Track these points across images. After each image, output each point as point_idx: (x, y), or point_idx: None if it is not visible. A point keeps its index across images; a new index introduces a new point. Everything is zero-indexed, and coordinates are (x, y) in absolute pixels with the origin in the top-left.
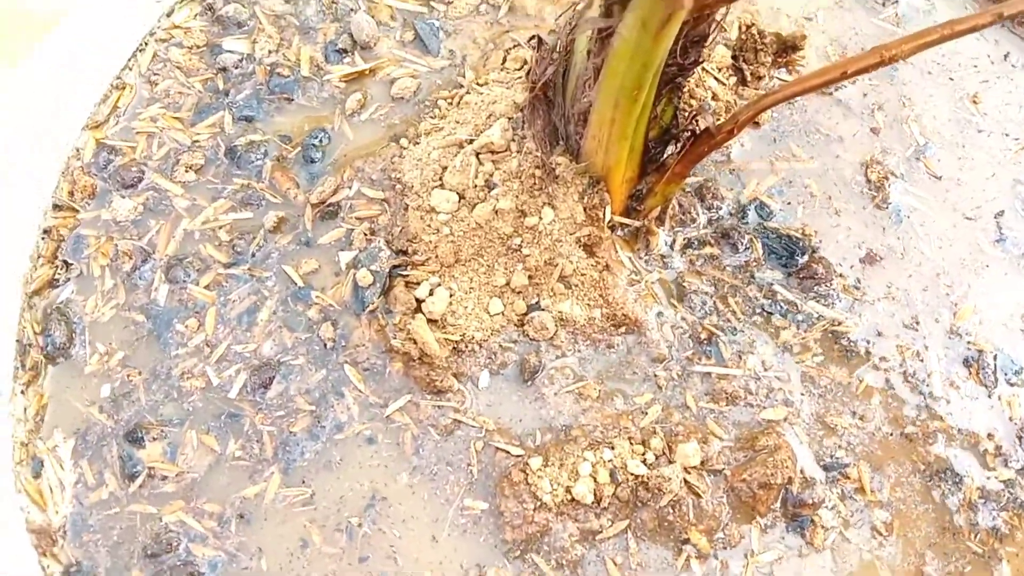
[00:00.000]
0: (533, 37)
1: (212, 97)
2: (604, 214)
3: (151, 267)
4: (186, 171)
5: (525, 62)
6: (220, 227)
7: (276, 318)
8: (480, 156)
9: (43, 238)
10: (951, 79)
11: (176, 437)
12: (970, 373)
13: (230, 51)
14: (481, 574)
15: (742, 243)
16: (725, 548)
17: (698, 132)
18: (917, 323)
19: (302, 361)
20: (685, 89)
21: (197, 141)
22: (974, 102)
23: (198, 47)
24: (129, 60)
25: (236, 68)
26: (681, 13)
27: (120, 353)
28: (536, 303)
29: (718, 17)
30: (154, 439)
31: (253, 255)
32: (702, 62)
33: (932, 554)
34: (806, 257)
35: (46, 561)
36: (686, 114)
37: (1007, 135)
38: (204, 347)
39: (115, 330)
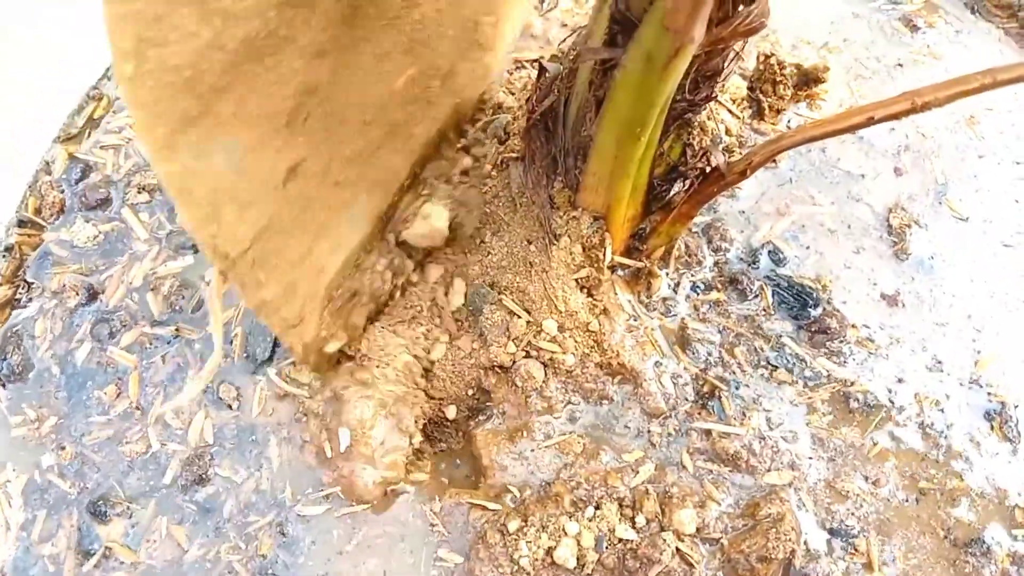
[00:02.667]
0: (536, 61)
1: None
2: (604, 255)
3: (92, 311)
4: (138, 192)
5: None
6: (161, 278)
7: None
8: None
9: (3, 256)
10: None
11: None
12: (992, 427)
13: None
14: None
15: (751, 290)
16: None
17: (708, 171)
18: (939, 369)
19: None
20: (695, 124)
21: None
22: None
23: None
24: (108, 70)
25: None
26: (690, 47)
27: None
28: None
29: (736, 48)
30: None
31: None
32: (715, 97)
33: None
34: (819, 309)
35: None
36: (695, 151)
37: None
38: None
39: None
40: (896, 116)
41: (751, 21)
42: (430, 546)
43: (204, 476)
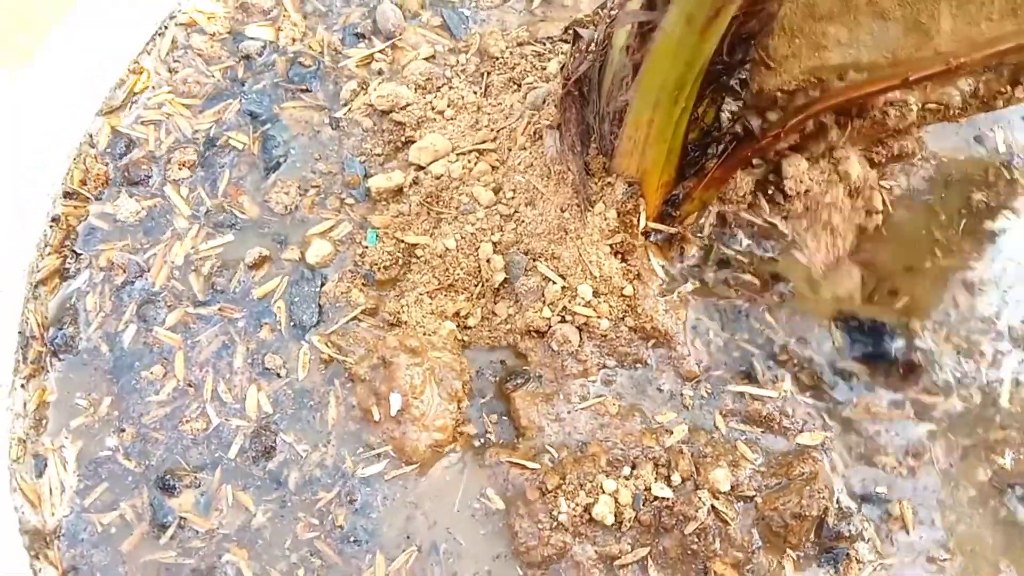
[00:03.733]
0: (569, 27)
1: (229, 85)
2: (639, 220)
3: (138, 289)
4: (179, 168)
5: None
6: (203, 257)
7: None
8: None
9: (51, 226)
10: None
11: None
12: None
13: (253, 38)
14: None
15: None
16: None
17: (741, 134)
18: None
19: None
20: (730, 87)
21: (198, 131)
22: None
23: (220, 34)
24: (147, 44)
25: (259, 56)
26: (731, 7)
27: (107, 399)
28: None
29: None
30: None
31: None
32: (751, 60)
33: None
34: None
35: (39, 564)
36: (730, 115)
37: None
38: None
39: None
40: (931, 78)
41: None
42: (472, 502)
43: (271, 446)
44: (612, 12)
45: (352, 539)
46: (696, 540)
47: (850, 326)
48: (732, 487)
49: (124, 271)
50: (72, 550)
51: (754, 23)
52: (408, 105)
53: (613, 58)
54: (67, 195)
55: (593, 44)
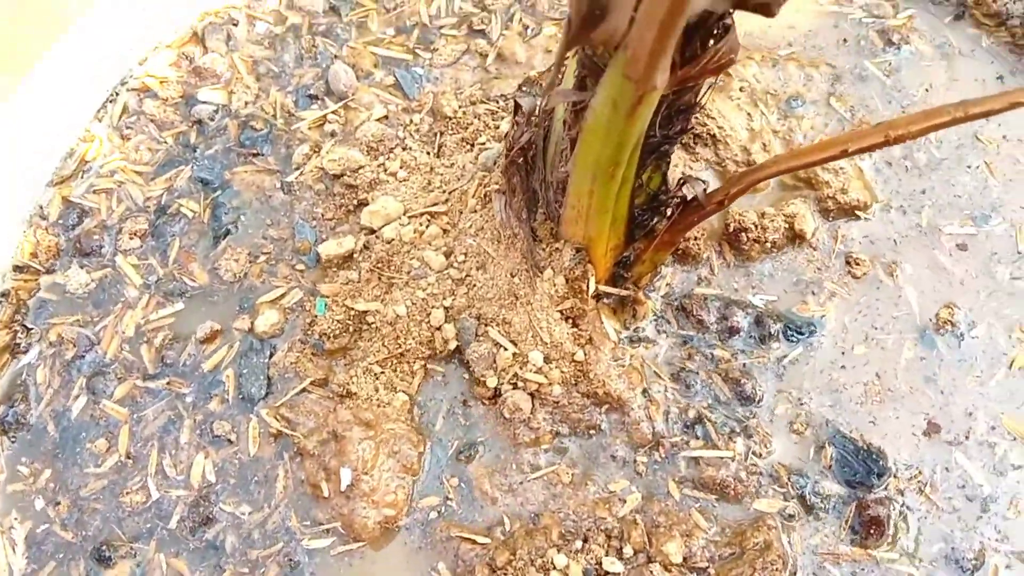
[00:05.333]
0: (511, 96)
1: (181, 151)
2: (587, 286)
3: (88, 363)
4: (130, 237)
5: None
6: (154, 328)
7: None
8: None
9: (1, 301)
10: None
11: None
12: None
13: (205, 102)
14: None
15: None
16: None
17: (688, 199)
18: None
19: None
20: (671, 155)
21: (149, 199)
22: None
23: (173, 99)
24: (99, 111)
25: (211, 120)
26: (654, 94)
27: (47, 471)
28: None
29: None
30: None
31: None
32: (690, 130)
33: None
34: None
35: None
36: (675, 181)
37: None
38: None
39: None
40: (870, 148)
41: (720, 58)
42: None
43: (210, 516)
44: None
45: None
46: None
47: None
48: (685, 559)
49: (74, 345)
50: None
51: (688, 96)
52: (360, 168)
53: (555, 129)
54: (17, 268)
55: (536, 114)
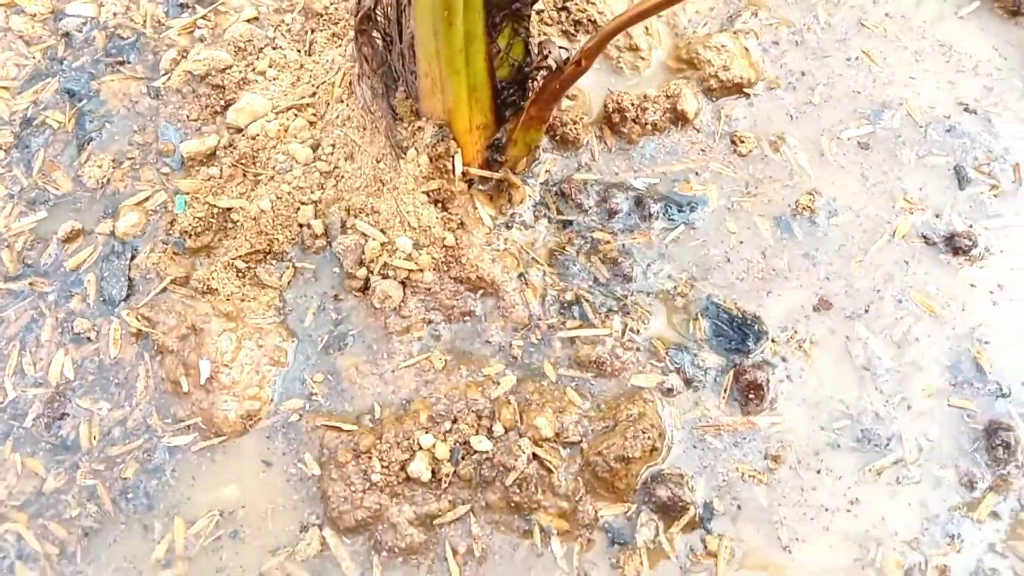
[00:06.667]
0: None
1: (48, 65)
2: (453, 164)
3: None
4: None
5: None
6: (15, 234)
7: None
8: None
9: None
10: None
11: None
12: None
13: (74, 15)
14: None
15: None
16: (579, 531)
17: (554, 67)
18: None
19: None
20: (530, 19)
21: (15, 113)
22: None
23: (42, 14)
24: None
25: (79, 32)
26: None
27: None
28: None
29: None
30: None
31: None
32: None
33: None
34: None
35: None
36: (537, 47)
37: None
38: None
39: None
40: None
41: None
42: (289, 467)
43: (66, 412)
44: None
45: (130, 496)
46: (519, 491)
47: None
48: (556, 433)
49: None
50: None
51: None
52: (227, 68)
53: None
54: None
55: None
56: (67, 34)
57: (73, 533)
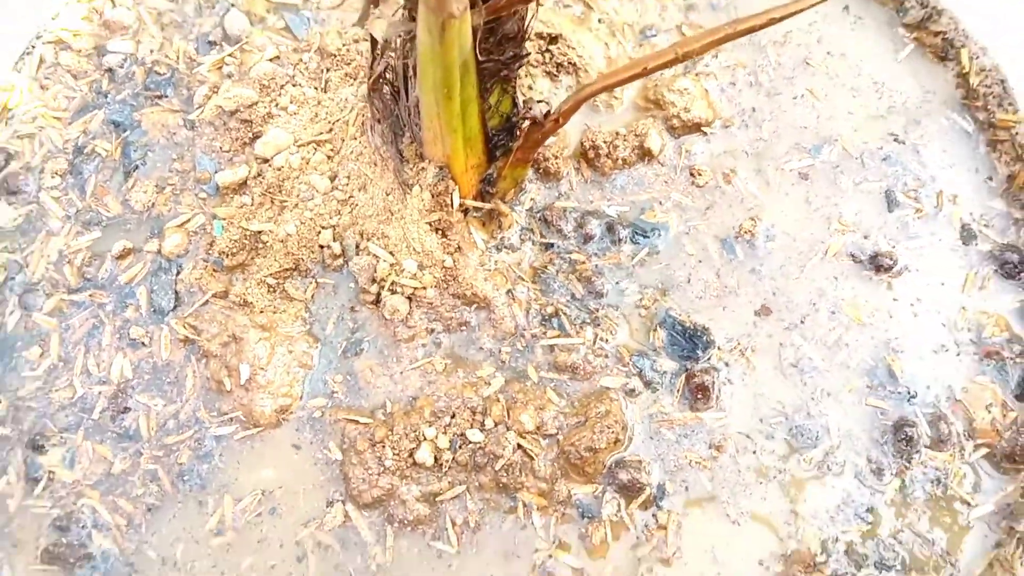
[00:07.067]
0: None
1: (94, 98)
2: (451, 199)
3: (19, 283)
4: (52, 176)
5: None
6: (74, 251)
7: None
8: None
9: None
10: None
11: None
12: None
13: (115, 52)
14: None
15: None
16: (555, 507)
17: (534, 120)
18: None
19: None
20: (516, 81)
21: (67, 141)
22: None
23: (86, 50)
24: (17, 63)
25: (121, 68)
26: (454, 22)
27: None
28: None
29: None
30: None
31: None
32: (525, 56)
33: None
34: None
35: None
36: (523, 104)
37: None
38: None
39: None
40: (665, 65)
41: None
42: (317, 453)
43: (128, 407)
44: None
45: (186, 478)
46: (506, 474)
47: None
48: (537, 427)
49: (5, 269)
50: None
51: (511, 25)
52: (253, 104)
53: (414, 58)
54: None
55: (391, 45)
56: (110, 69)
57: (138, 508)
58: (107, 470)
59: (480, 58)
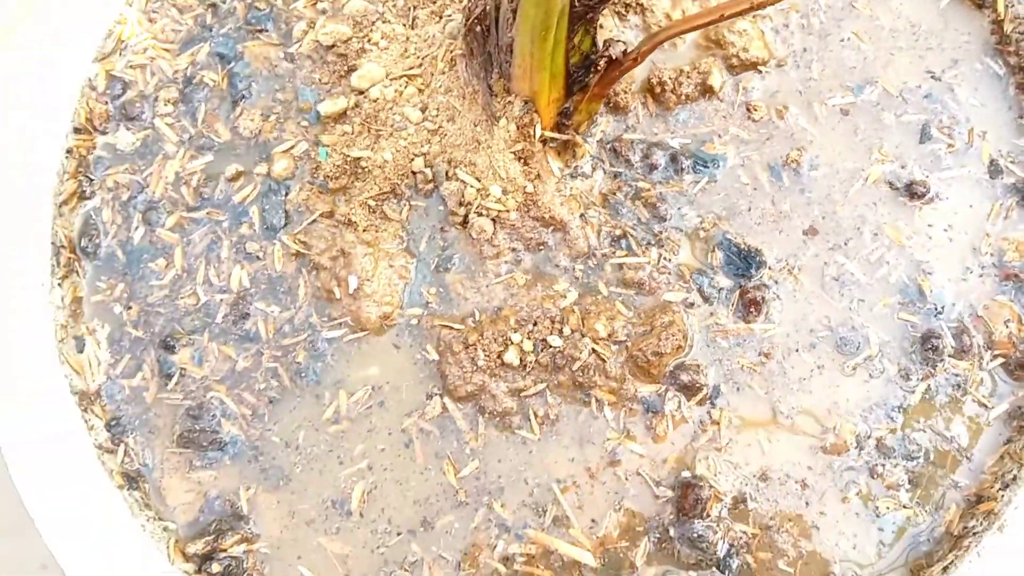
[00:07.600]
0: None
1: (200, 31)
2: (534, 131)
3: (141, 201)
4: (165, 104)
5: None
6: (190, 173)
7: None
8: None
9: (66, 157)
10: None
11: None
12: None
13: None
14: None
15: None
16: (624, 403)
17: (612, 57)
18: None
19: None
20: (598, 22)
21: (177, 72)
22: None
23: None
24: None
25: (223, 3)
26: None
27: (120, 285)
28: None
29: None
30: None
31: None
32: (610, 1)
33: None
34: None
35: (88, 416)
36: (603, 42)
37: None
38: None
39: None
40: (741, 13)
41: None
42: (416, 354)
43: (247, 312)
44: None
45: (303, 374)
46: (581, 374)
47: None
48: (608, 335)
49: (128, 189)
50: (111, 406)
51: None
52: (348, 39)
53: (503, 2)
54: (76, 130)
55: None
56: (213, 4)
57: (261, 400)
58: (232, 368)
59: (576, 4)
